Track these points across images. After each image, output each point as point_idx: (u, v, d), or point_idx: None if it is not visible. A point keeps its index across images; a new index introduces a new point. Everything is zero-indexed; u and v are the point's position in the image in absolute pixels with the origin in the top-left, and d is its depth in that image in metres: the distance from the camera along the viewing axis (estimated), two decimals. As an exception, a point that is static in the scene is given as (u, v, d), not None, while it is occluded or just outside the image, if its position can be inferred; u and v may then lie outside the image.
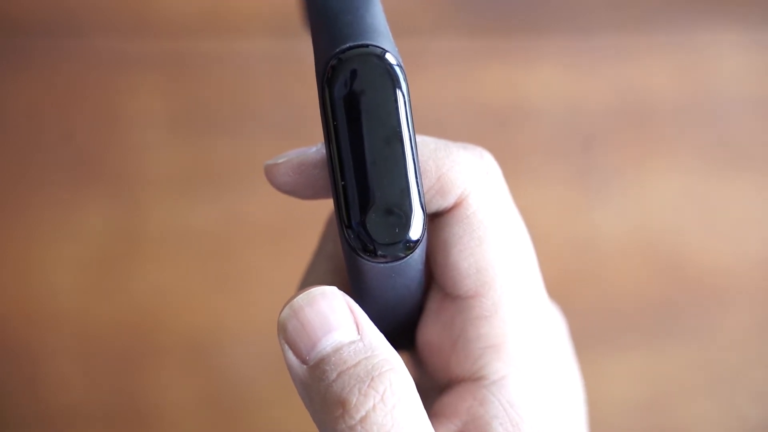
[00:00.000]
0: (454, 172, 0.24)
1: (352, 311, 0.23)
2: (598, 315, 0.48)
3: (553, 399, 0.25)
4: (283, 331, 0.23)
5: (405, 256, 0.22)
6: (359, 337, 0.22)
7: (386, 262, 0.23)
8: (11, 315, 0.46)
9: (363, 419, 0.21)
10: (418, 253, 0.23)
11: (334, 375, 0.22)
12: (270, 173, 0.24)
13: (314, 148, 0.24)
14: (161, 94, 0.47)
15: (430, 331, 0.26)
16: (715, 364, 0.49)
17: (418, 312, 0.26)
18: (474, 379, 0.25)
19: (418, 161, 0.22)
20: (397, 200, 0.22)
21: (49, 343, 0.46)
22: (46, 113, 0.47)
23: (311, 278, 0.27)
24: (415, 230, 0.22)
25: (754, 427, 0.49)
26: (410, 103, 0.22)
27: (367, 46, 0.22)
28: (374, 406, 0.21)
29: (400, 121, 0.22)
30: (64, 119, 0.47)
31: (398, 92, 0.22)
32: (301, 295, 0.23)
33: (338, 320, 0.22)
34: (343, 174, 0.22)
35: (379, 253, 0.22)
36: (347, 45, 0.22)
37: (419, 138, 0.24)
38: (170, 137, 0.47)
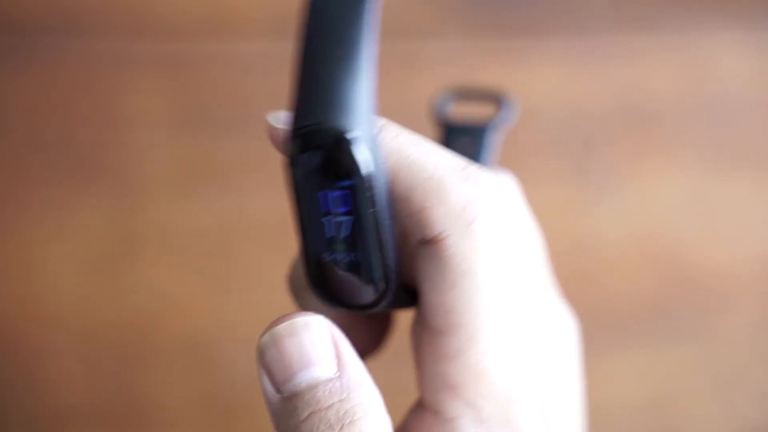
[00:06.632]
0: (434, 213, 0.23)
1: (335, 345, 0.22)
2: (598, 315, 0.48)
3: None
4: (260, 356, 0.22)
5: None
6: (338, 374, 0.21)
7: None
8: (12, 315, 0.46)
9: None
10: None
11: (305, 414, 0.21)
12: (274, 136, 0.24)
13: None
14: (161, 94, 0.47)
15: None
16: (715, 364, 0.49)
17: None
18: (434, 411, 0.24)
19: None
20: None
21: (49, 343, 0.46)
22: (46, 113, 0.47)
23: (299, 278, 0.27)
24: None
25: (754, 428, 0.49)
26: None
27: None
28: None
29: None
30: (64, 119, 0.47)
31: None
32: (283, 324, 0.22)
33: (318, 355, 0.22)
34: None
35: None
36: None
37: (431, 148, 0.23)
38: (170, 137, 0.47)
